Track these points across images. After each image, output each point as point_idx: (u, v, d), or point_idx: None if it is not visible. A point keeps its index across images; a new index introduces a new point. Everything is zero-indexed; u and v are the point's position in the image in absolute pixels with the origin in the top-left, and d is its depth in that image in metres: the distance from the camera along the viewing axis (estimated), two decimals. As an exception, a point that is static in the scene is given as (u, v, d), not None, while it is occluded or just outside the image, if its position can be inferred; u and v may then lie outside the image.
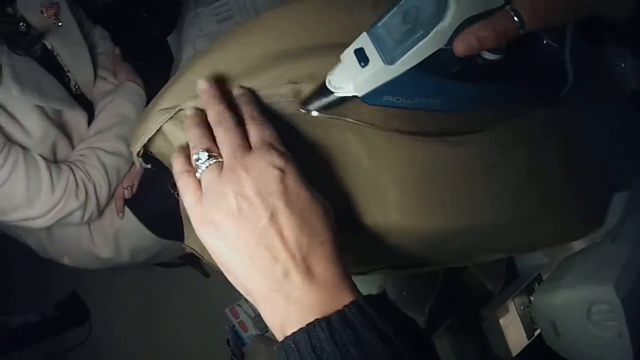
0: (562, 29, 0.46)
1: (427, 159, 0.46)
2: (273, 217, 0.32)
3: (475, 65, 0.43)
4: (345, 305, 0.31)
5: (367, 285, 0.75)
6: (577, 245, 0.68)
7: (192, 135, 0.38)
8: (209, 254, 0.56)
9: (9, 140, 0.72)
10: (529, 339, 0.71)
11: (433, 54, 0.37)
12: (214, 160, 0.35)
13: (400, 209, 0.45)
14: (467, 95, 0.45)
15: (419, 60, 0.37)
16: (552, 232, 0.57)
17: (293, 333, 0.31)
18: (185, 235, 0.66)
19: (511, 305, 0.71)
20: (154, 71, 0.98)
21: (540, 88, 0.49)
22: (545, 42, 0.47)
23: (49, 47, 0.83)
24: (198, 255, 0.64)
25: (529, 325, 0.71)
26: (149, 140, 0.45)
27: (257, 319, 1.27)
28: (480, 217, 0.49)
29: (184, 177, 0.37)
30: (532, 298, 0.71)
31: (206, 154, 0.36)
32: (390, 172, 0.45)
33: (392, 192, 0.45)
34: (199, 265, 1.41)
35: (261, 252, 0.32)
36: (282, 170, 0.33)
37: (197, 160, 0.36)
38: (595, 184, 0.59)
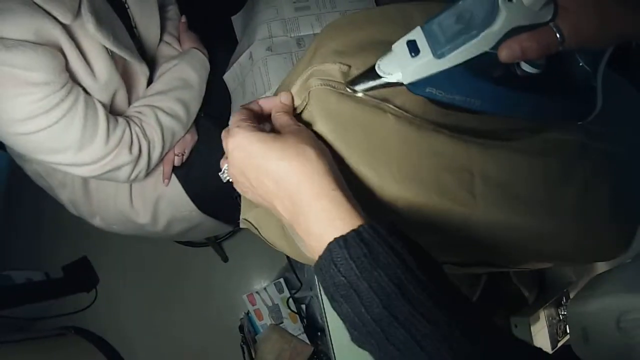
0: (599, 55, 0.49)
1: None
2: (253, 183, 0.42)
3: (515, 76, 0.46)
4: (359, 226, 0.36)
5: None
6: (601, 266, 0.77)
7: None
8: (265, 229, 0.58)
9: (73, 79, 0.69)
10: (552, 349, 0.77)
11: (479, 55, 0.41)
12: None
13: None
14: (504, 101, 0.48)
15: (466, 59, 0.41)
16: (588, 250, 0.61)
17: (320, 257, 0.37)
18: (244, 210, 0.65)
19: (542, 315, 0.76)
20: (213, 47, 0.95)
21: (571, 108, 0.53)
22: (580, 64, 0.50)
23: (122, -2, 0.80)
24: (254, 230, 0.63)
25: (554, 336, 0.77)
26: None
27: (274, 308, 1.25)
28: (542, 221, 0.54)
29: None
30: (559, 310, 0.78)
31: None
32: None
33: None
34: (220, 249, 1.38)
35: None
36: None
37: None
38: (624, 211, 0.63)
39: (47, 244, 1.49)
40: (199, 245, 1.37)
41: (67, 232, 1.42)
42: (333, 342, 0.72)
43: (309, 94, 0.51)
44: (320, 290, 0.71)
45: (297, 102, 0.52)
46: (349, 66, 0.50)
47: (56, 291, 1.45)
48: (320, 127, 0.48)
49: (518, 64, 0.46)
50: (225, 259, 1.40)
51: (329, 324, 0.72)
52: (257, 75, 0.81)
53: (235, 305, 1.31)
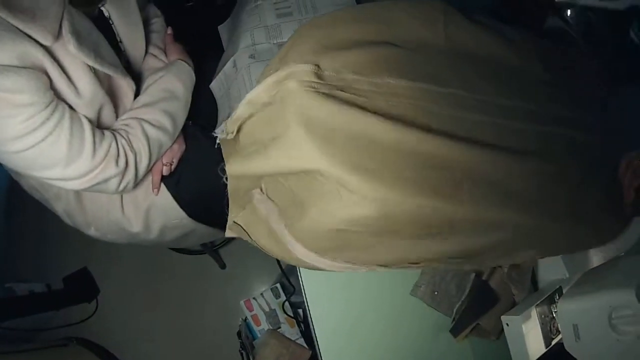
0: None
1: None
2: None
3: None
4: None
5: (402, 279, 0.79)
6: (596, 261, 0.77)
7: None
8: (253, 230, 0.59)
9: (58, 97, 0.70)
10: (546, 347, 0.76)
11: None
12: None
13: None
14: None
15: None
16: (585, 238, 0.66)
17: None
18: (232, 214, 0.66)
19: (534, 313, 0.76)
20: (201, 56, 0.97)
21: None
22: None
23: (106, 14, 0.81)
24: (243, 235, 0.64)
25: (547, 334, 0.76)
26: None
27: (271, 313, 1.26)
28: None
29: None
30: (552, 308, 0.77)
31: None
32: None
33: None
34: (218, 256, 1.39)
35: None
36: None
37: None
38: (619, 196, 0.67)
39: (48, 256, 1.51)
40: (197, 253, 1.38)
41: (66, 244, 1.44)
42: (320, 346, 0.72)
43: (282, 97, 0.52)
44: (304, 291, 0.71)
45: (263, 98, 0.53)
46: (318, 65, 0.52)
47: (58, 302, 1.48)
48: (295, 129, 0.49)
49: None
50: (222, 265, 1.41)
51: (314, 325, 0.72)
52: (241, 83, 0.82)
53: (233, 312, 1.32)
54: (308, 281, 0.71)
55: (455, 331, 0.83)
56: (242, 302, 1.26)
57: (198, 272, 1.44)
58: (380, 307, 0.77)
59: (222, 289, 1.39)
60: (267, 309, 1.27)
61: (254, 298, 1.27)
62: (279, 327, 1.25)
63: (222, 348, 1.34)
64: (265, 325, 1.27)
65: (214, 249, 1.35)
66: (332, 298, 0.73)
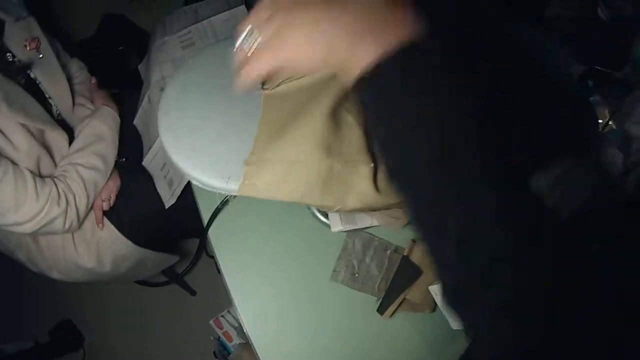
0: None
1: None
2: None
3: None
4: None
5: (321, 269, 0.80)
6: None
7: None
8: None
9: (0, 154, 0.81)
10: None
11: None
12: None
13: None
14: None
15: None
16: None
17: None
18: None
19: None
20: (128, 96, 1.08)
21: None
22: None
23: (33, 76, 0.93)
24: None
25: None
26: None
27: (241, 328, 1.31)
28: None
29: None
30: None
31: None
32: None
33: None
34: (185, 284, 1.46)
35: None
36: None
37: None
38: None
39: (26, 313, 1.58)
40: (164, 284, 1.45)
41: (42, 297, 1.52)
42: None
43: None
44: (230, 291, 0.78)
45: None
46: None
47: (47, 356, 1.53)
48: None
49: None
50: (192, 292, 1.48)
51: (246, 326, 0.77)
52: (156, 116, 0.92)
53: (207, 333, 1.37)
54: (231, 280, 0.78)
55: (381, 309, 0.81)
56: (211, 322, 1.32)
57: (171, 303, 1.51)
58: (305, 299, 0.77)
59: (195, 314, 1.45)
60: (235, 324, 1.33)
61: (222, 316, 1.33)
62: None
63: (204, 371, 1.40)
64: (237, 340, 1.32)
65: (179, 278, 1.42)
66: (259, 295, 0.78)
